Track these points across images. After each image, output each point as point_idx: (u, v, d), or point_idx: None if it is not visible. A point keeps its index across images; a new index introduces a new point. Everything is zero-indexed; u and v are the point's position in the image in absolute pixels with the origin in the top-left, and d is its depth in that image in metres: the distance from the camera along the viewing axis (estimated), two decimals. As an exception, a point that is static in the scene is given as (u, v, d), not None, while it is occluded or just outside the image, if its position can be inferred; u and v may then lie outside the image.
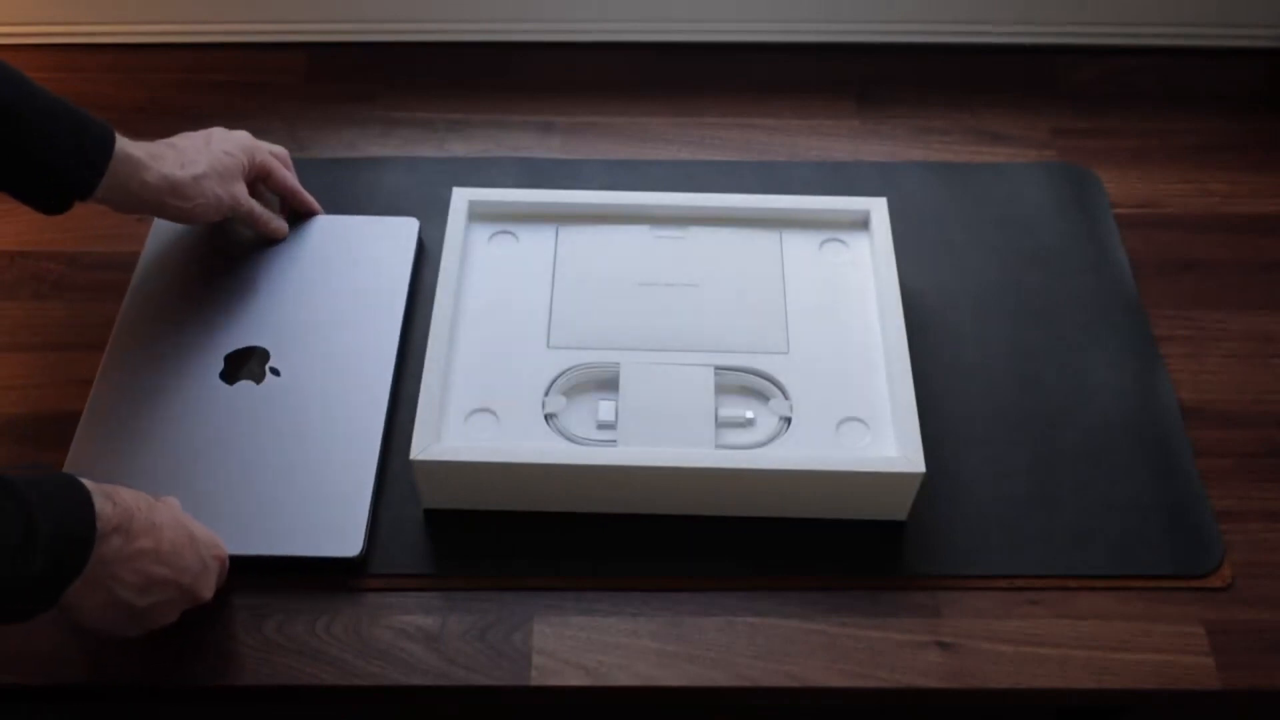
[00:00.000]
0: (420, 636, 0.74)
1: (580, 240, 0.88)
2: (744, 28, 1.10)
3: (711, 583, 0.76)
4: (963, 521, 0.78)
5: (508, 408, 0.79)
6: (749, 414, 0.79)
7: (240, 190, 0.87)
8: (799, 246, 0.88)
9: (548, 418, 0.78)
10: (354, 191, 0.97)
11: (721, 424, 0.78)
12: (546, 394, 0.79)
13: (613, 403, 0.79)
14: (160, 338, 0.85)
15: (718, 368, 0.80)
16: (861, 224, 0.89)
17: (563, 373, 0.80)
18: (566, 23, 1.10)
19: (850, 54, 1.09)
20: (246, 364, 0.84)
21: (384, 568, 0.76)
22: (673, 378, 0.79)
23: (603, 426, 0.78)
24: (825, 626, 0.74)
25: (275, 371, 0.83)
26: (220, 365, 0.83)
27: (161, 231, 0.92)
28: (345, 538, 0.76)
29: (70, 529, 0.61)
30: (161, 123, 1.02)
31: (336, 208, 0.94)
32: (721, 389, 0.80)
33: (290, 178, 0.92)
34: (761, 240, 0.88)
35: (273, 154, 0.91)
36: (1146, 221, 0.96)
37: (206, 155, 0.84)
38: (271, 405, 0.81)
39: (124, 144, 0.80)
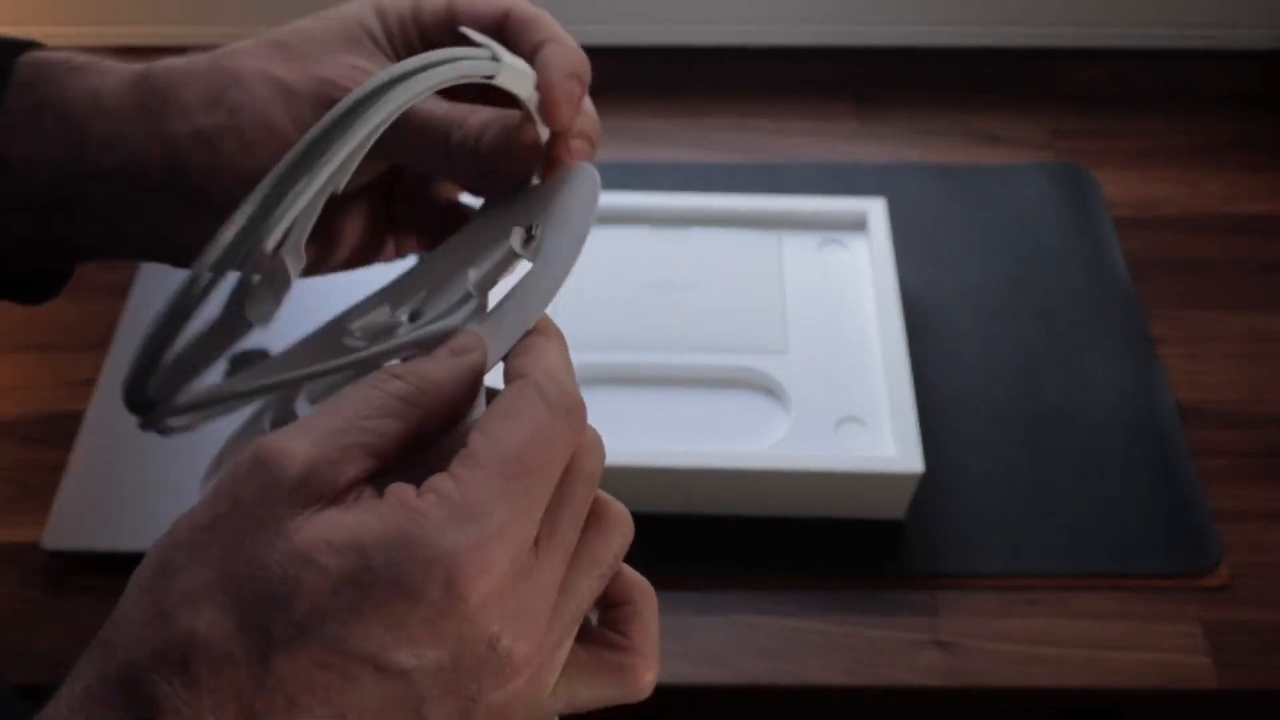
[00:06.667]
0: (421, 636, 0.74)
1: (580, 241, 0.88)
2: (742, 30, 1.10)
3: (711, 582, 0.76)
4: (961, 521, 0.78)
5: (508, 408, 0.79)
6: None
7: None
8: (798, 247, 0.88)
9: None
10: (355, 193, 0.97)
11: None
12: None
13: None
14: (162, 339, 0.85)
15: (716, 368, 0.81)
16: (860, 225, 0.89)
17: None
18: (565, 26, 1.10)
19: (848, 56, 1.10)
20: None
21: (384, 568, 0.76)
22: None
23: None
24: (824, 625, 0.74)
25: (276, 372, 0.84)
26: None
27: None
28: (346, 538, 0.76)
29: None
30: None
31: (337, 209, 0.95)
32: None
33: (559, 49, 0.43)
34: (760, 241, 0.88)
35: None
36: (1145, 222, 0.97)
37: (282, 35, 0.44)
38: (272, 406, 0.82)
39: (55, 54, 0.45)
